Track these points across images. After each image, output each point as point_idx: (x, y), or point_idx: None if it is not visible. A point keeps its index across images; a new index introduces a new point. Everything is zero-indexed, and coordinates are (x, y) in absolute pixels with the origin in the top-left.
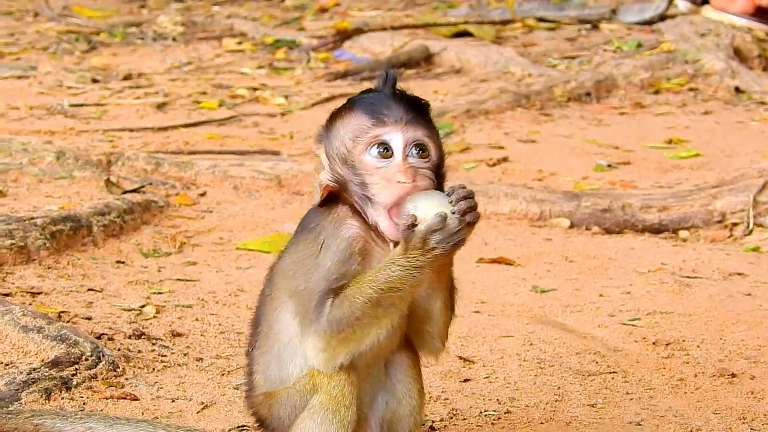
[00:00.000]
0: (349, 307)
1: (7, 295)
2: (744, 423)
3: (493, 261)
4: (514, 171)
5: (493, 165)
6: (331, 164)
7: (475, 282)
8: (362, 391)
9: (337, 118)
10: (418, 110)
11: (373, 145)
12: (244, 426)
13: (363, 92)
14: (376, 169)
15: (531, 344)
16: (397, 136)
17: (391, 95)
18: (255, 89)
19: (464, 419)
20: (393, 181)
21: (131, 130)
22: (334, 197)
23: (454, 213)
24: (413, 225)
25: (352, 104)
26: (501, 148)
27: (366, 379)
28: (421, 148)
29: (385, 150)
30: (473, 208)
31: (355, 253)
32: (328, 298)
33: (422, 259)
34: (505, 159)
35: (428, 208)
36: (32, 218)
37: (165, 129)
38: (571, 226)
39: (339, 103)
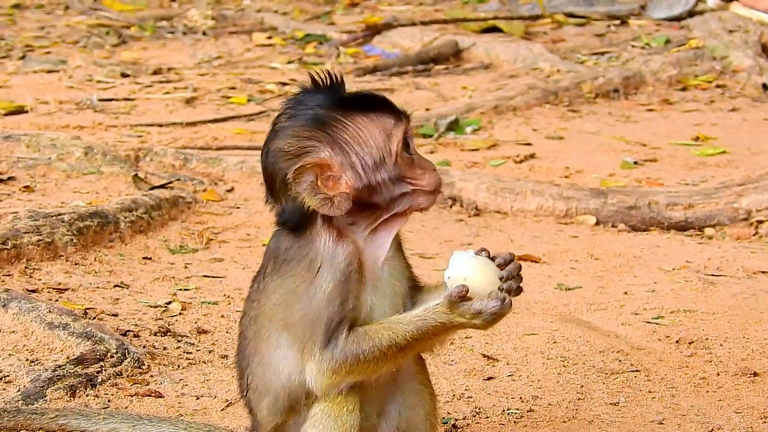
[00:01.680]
0: (370, 346)
1: (33, 291)
2: (765, 422)
3: (519, 258)
4: (542, 168)
5: (521, 161)
6: (354, 174)
7: None
8: (372, 402)
9: (347, 125)
10: None
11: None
12: None
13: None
14: None
15: (555, 342)
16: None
17: None
18: (284, 84)
19: (487, 417)
20: None
21: (160, 125)
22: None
23: (502, 289)
24: (464, 296)
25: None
26: (528, 144)
27: (375, 390)
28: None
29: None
30: (520, 286)
31: (354, 270)
32: (341, 326)
33: (461, 326)
34: (532, 155)
35: (480, 282)
36: (59, 214)
37: (194, 124)
38: (597, 224)
39: None
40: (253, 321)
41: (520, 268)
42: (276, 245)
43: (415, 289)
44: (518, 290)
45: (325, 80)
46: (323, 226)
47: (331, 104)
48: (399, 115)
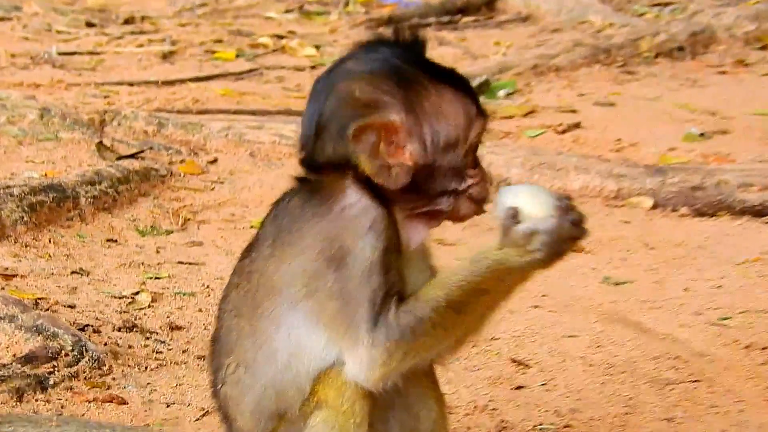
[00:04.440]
0: (427, 312)
1: None
2: None
3: None
4: (588, 139)
5: (563, 132)
6: (422, 148)
7: None
8: (374, 409)
9: (430, 93)
10: None
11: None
12: None
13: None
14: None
15: (599, 346)
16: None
17: None
18: (281, 37)
19: None
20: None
21: (131, 84)
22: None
23: (562, 206)
24: (515, 219)
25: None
26: (573, 111)
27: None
28: None
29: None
30: (582, 220)
31: (394, 239)
32: (388, 301)
33: (517, 260)
34: (577, 125)
35: (534, 204)
36: (8, 187)
37: (171, 83)
38: (654, 207)
39: None
40: (250, 296)
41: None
42: (296, 204)
43: None
44: (581, 220)
45: (406, 37)
46: (359, 187)
47: (416, 63)
48: (482, 108)
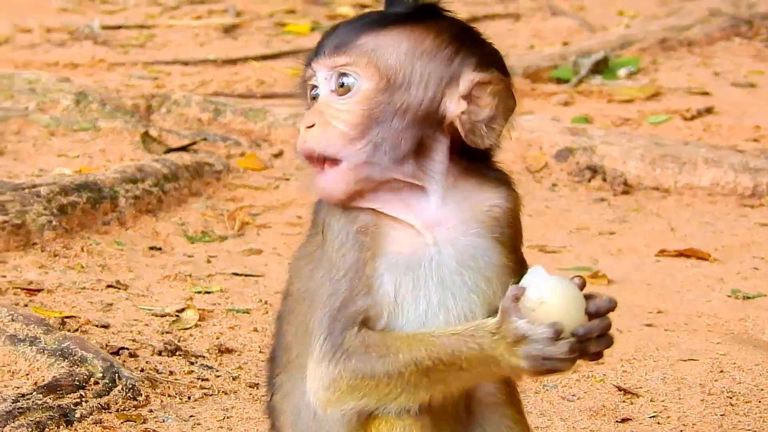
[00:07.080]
0: (382, 356)
1: None
2: None
3: (680, 254)
4: (721, 127)
5: (692, 119)
6: None
7: (652, 283)
8: None
9: None
10: (364, 28)
11: (306, 89)
12: None
13: None
14: None
15: (721, 372)
16: (318, 73)
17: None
18: (364, 6)
19: None
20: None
21: (185, 64)
22: None
23: (576, 334)
24: (516, 305)
25: None
26: (705, 94)
27: (438, 425)
28: (341, 80)
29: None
30: (608, 344)
31: (365, 240)
32: (347, 320)
33: (503, 358)
34: (709, 110)
35: (556, 311)
36: (35, 186)
37: (233, 62)
38: None
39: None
40: (286, 300)
41: (609, 327)
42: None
43: None
44: (596, 355)
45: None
46: None
47: None
48: (308, 56)
